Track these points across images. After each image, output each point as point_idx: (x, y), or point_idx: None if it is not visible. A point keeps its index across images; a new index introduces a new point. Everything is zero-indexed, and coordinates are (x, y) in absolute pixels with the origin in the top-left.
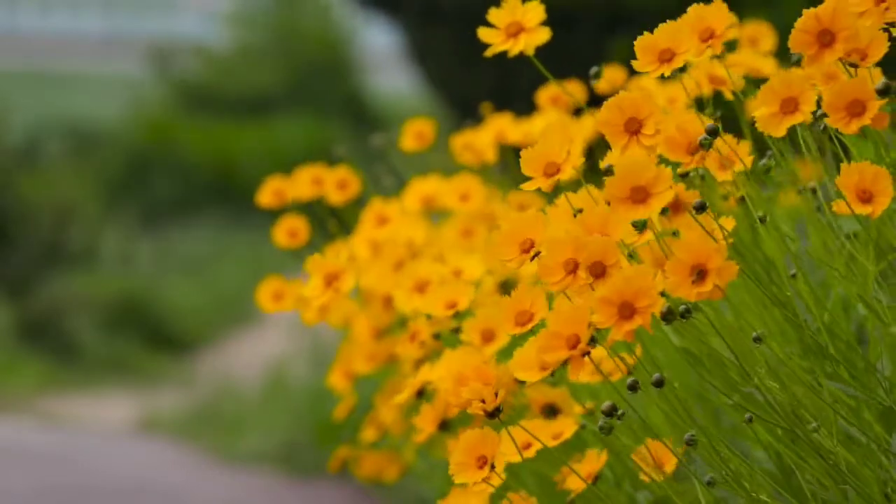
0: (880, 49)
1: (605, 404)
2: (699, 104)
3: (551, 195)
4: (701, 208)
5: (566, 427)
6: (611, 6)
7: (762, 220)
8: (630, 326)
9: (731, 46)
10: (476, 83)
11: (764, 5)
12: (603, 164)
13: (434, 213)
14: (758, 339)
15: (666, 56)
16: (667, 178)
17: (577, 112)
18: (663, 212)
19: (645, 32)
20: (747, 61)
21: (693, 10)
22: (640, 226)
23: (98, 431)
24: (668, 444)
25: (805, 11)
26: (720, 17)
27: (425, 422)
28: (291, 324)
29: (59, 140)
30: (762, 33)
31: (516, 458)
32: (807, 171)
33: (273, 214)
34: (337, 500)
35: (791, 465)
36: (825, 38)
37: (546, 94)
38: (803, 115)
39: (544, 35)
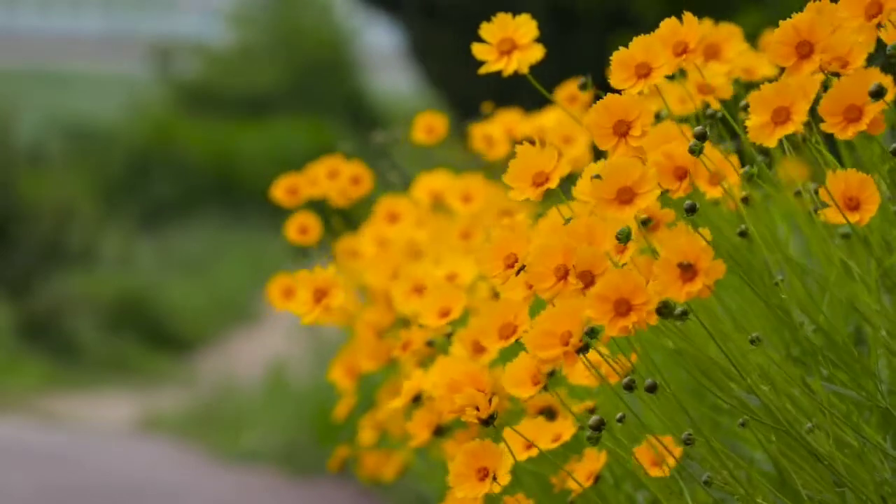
0: (861, 56)
1: (593, 419)
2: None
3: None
4: (691, 210)
5: (565, 429)
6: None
7: (744, 234)
8: (625, 323)
9: None
10: (476, 82)
11: (755, 5)
12: (590, 175)
13: (441, 210)
14: (756, 340)
15: (643, 71)
16: (652, 178)
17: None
18: (645, 223)
19: (621, 47)
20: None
21: (666, 24)
22: (625, 237)
23: (98, 431)
24: (666, 444)
25: (782, 23)
26: (693, 31)
27: (418, 428)
28: (292, 323)
29: (60, 140)
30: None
31: (517, 460)
32: (803, 172)
33: (274, 214)
34: (337, 500)
35: (787, 468)
36: (804, 49)
37: (562, 92)
38: (795, 126)
39: (538, 52)
